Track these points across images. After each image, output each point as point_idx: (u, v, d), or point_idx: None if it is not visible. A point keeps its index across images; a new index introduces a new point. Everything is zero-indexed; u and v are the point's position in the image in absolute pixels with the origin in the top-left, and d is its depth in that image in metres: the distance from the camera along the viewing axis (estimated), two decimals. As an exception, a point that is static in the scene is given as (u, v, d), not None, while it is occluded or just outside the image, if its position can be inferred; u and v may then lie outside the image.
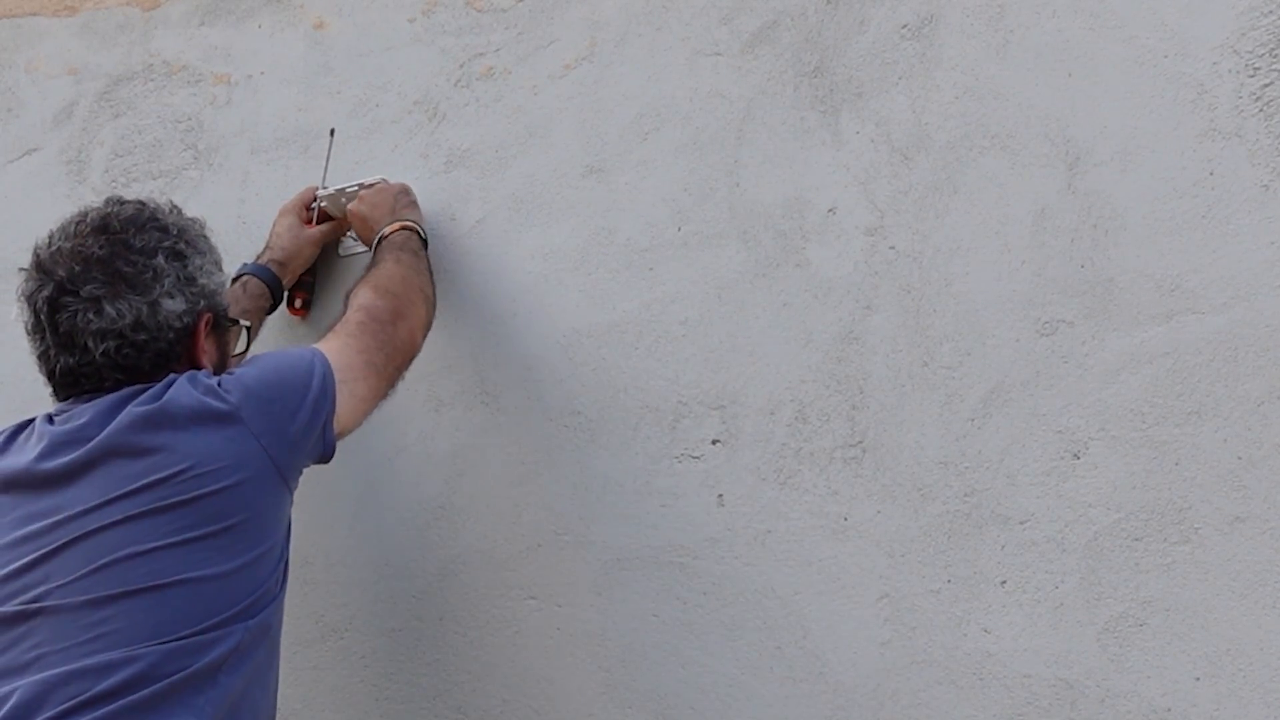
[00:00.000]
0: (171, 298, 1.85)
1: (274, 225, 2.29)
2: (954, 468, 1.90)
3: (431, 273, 2.13)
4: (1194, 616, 1.75)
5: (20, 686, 1.69)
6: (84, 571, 1.72)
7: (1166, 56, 1.85)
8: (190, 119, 2.52)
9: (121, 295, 1.82)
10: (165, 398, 1.78)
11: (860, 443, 1.96)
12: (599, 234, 2.16)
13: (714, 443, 2.05)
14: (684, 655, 2.02)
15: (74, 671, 1.68)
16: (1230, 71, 1.81)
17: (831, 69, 2.05)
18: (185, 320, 1.86)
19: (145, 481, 1.74)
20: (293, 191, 2.34)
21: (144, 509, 1.73)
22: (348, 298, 2.04)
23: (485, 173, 2.26)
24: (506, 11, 2.29)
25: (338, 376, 1.88)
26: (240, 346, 2.03)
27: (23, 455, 1.83)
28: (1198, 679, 1.75)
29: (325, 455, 1.90)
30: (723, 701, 1.99)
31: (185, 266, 1.88)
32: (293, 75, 2.44)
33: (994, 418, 1.89)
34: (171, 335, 1.85)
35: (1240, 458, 1.75)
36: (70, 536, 1.74)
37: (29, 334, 1.87)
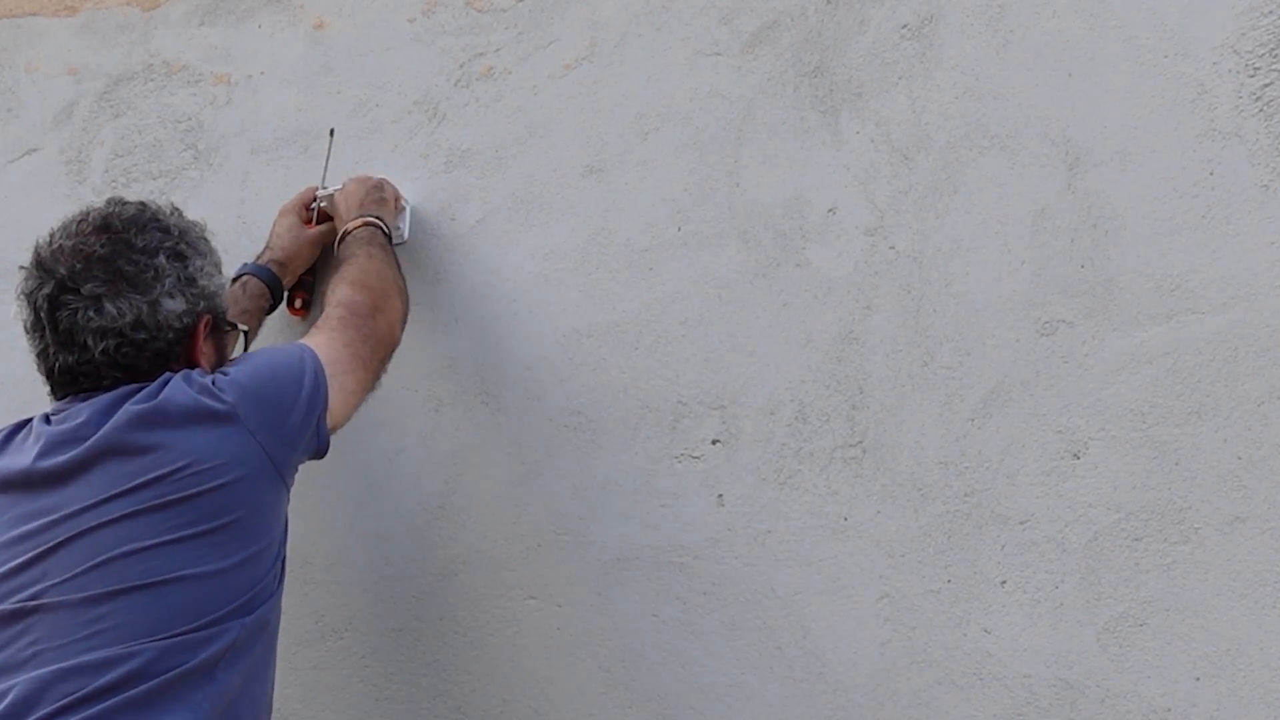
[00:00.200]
0: (172, 298, 1.85)
1: (274, 225, 2.30)
2: (954, 468, 1.90)
3: (399, 266, 2.14)
4: (1194, 616, 1.75)
5: (18, 683, 1.69)
6: (81, 569, 1.73)
7: (1166, 56, 1.85)
8: (190, 119, 2.52)
9: (122, 294, 1.82)
10: (161, 396, 1.78)
11: (860, 443, 1.96)
12: (599, 234, 2.16)
13: (714, 443, 2.05)
14: (684, 655, 2.02)
15: (71, 668, 1.68)
16: (1230, 71, 1.81)
17: (831, 69, 2.05)
18: (185, 321, 1.86)
19: (142, 480, 1.74)
20: (293, 191, 2.34)
21: (141, 507, 1.74)
22: (324, 293, 2.06)
23: (485, 173, 2.26)
24: (506, 11, 2.29)
25: (328, 371, 1.89)
26: (238, 351, 2.03)
27: (20, 455, 1.84)
28: (1198, 679, 1.75)
29: (320, 451, 1.91)
30: (723, 701, 1.99)
31: (186, 267, 1.88)
32: (293, 75, 2.44)
33: (994, 418, 1.89)
34: (171, 335, 1.85)
35: (1240, 458, 1.75)
36: (67, 534, 1.75)
37: (28, 332, 1.87)
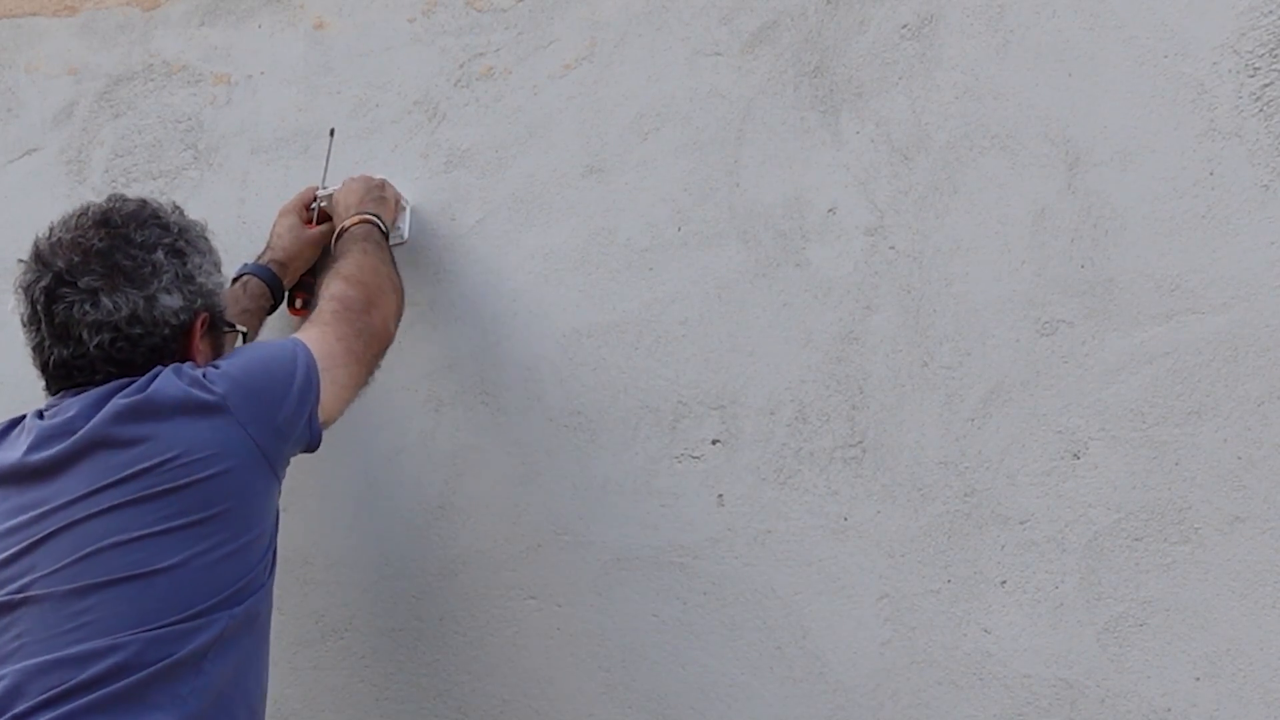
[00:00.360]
0: (169, 294, 1.85)
1: (274, 225, 2.29)
2: (954, 468, 1.90)
3: (395, 263, 2.14)
4: (1194, 616, 1.75)
5: (4, 676, 1.69)
6: (68, 561, 1.72)
7: (1166, 56, 1.85)
8: (190, 119, 2.52)
9: (119, 288, 1.82)
10: (151, 389, 1.78)
11: (860, 443, 1.96)
12: (599, 234, 2.16)
13: (714, 443, 2.05)
14: (684, 655, 2.02)
15: (55, 660, 1.68)
16: (1230, 71, 1.81)
17: (831, 69, 2.05)
18: (181, 318, 1.86)
19: (131, 471, 1.74)
20: (293, 191, 2.34)
21: (129, 498, 1.73)
22: (318, 289, 2.06)
23: (485, 173, 2.26)
24: (506, 11, 2.29)
25: (320, 365, 1.88)
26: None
27: (13, 450, 1.84)
28: (1198, 679, 1.75)
29: (312, 444, 1.91)
30: (723, 701, 1.99)
31: (185, 264, 1.88)
32: (293, 75, 2.44)
33: (994, 418, 1.89)
34: (167, 331, 1.85)
35: (1240, 458, 1.75)
36: (56, 526, 1.75)
37: (25, 325, 1.87)
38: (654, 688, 2.03)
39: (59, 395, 1.86)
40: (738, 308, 2.05)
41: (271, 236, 2.28)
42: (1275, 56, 1.79)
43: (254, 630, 1.81)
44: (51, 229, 1.88)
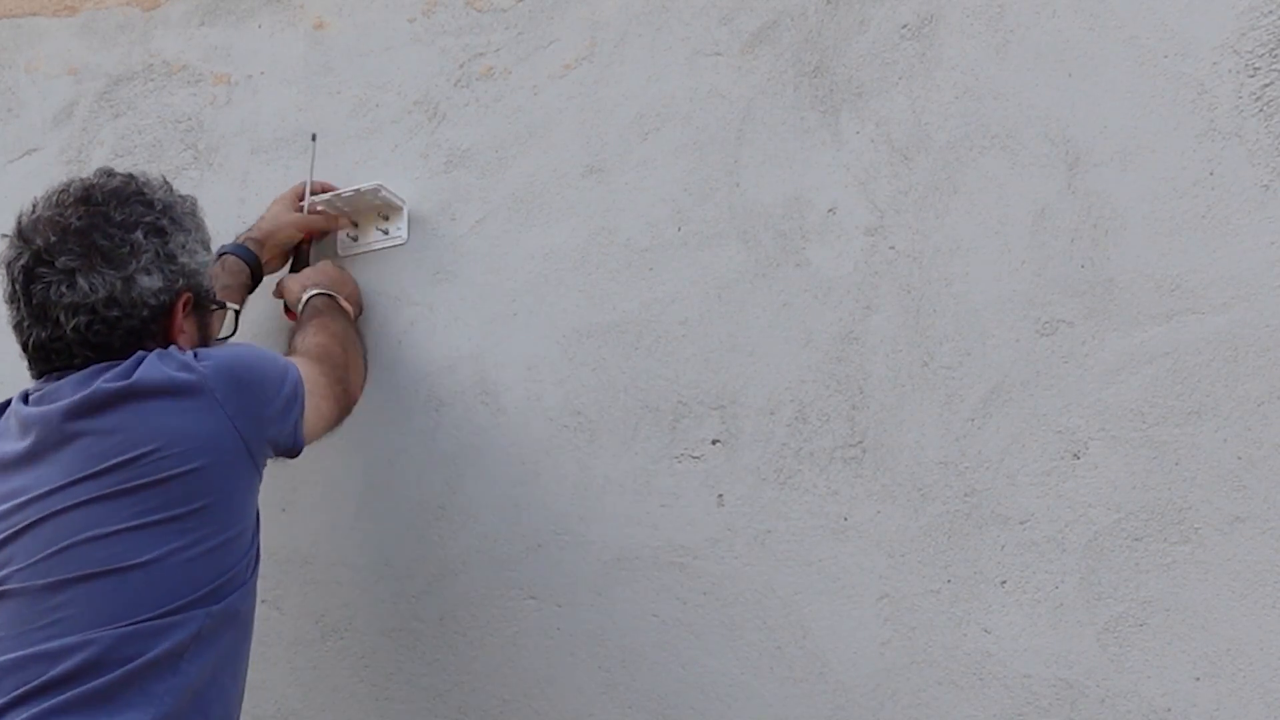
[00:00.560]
0: (148, 274, 1.82)
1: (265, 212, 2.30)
2: (954, 468, 1.90)
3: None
4: (1194, 616, 1.75)
5: None
6: (45, 554, 1.70)
7: (1166, 56, 1.85)
8: (190, 119, 2.52)
9: (96, 269, 1.79)
10: (134, 376, 1.75)
11: (860, 443, 1.96)
12: (599, 234, 2.16)
13: (714, 443, 2.05)
14: (684, 655, 2.02)
15: (27, 656, 1.65)
16: (1230, 71, 1.81)
17: (831, 69, 2.05)
18: (162, 298, 1.83)
19: (110, 463, 1.71)
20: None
21: (109, 490, 1.70)
22: (292, 337, 2.08)
23: (485, 173, 2.26)
24: (506, 11, 2.29)
25: (307, 387, 1.89)
26: (228, 330, 2.00)
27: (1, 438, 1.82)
28: (1198, 679, 1.75)
29: (294, 450, 1.89)
30: (723, 701, 1.99)
31: (166, 243, 1.84)
32: (293, 75, 2.44)
33: (994, 418, 1.89)
34: (145, 313, 1.82)
35: (1240, 458, 1.75)
36: (35, 518, 1.72)
37: (6, 303, 1.85)
38: (654, 688, 2.03)
39: (43, 379, 1.83)
40: (738, 308, 2.05)
41: (258, 220, 2.28)
42: (1275, 56, 1.79)
43: (234, 628, 1.78)
44: (35, 204, 1.84)
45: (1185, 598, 1.76)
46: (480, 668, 2.15)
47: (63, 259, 1.79)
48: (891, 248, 1.97)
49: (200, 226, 1.92)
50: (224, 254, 2.21)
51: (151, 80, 2.57)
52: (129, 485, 1.70)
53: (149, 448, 1.71)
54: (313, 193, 2.29)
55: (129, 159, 2.55)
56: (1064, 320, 1.87)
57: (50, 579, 1.69)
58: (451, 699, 2.16)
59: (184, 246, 1.87)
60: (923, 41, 2.00)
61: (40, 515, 1.72)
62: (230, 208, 2.41)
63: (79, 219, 1.81)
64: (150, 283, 1.82)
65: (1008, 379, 1.89)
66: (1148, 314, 1.82)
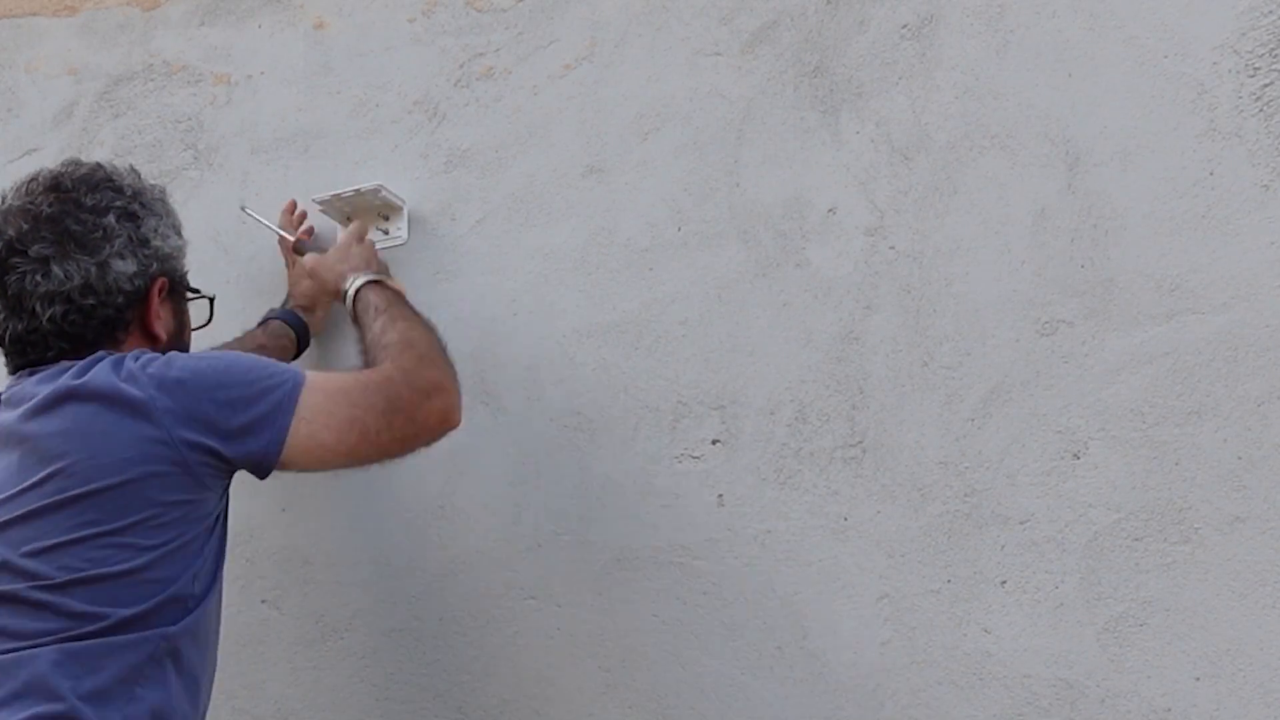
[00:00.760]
0: (122, 258, 1.80)
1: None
2: (954, 468, 1.90)
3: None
4: (1194, 616, 1.75)
5: None
6: None
7: (1166, 56, 1.85)
8: (190, 119, 2.52)
9: (70, 255, 1.77)
10: (84, 378, 1.71)
11: (860, 443, 1.96)
12: (599, 234, 2.16)
13: (714, 443, 2.04)
14: (684, 655, 2.02)
15: None
16: (1230, 71, 1.81)
17: (831, 69, 2.05)
18: (136, 283, 1.81)
19: (48, 471, 1.67)
20: (292, 192, 2.34)
21: (45, 502, 1.66)
22: (371, 349, 1.90)
23: (485, 173, 2.26)
24: (506, 11, 2.29)
25: (302, 414, 1.74)
26: (203, 319, 1.97)
27: None
28: (1198, 679, 1.75)
29: (260, 470, 1.77)
30: (723, 701, 1.99)
31: (139, 228, 1.82)
32: (293, 75, 2.44)
33: (994, 418, 1.89)
34: (120, 300, 1.79)
35: (1240, 458, 1.75)
36: None
37: None
38: (654, 688, 2.03)
39: (17, 375, 1.80)
40: (738, 308, 2.05)
41: (288, 285, 2.27)
42: (1275, 56, 1.79)
43: (195, 647, 1.72)
44: (4, 196, 1.83)
45: (1185, 598, 1.76)
46: (480, 668, 2.14)
47: (36, 247, 1.77)
48: (891, 248, 1.97)
49: (171, 213, 1.90)
50: (271, 319, 2.20)
51: (151, 80, 2.57)
52: (63, 496, 1.66)
53: (80, 456, 1.67)
54: (288, 225, 2.28)
55: (129, 159, 2.53)
56: (1064, 320, 1.86)
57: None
58: (451, 699, 2.16)
59: (156, 230, 1.85)
60: (923, 41, 2.00)
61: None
62: (230, 208, 2.41)
63: (50, 206, 1.79)
64: (125, 267, 1.80)
65: (1008, 379, 1.89)
66: (1148, 314, 1.82)
